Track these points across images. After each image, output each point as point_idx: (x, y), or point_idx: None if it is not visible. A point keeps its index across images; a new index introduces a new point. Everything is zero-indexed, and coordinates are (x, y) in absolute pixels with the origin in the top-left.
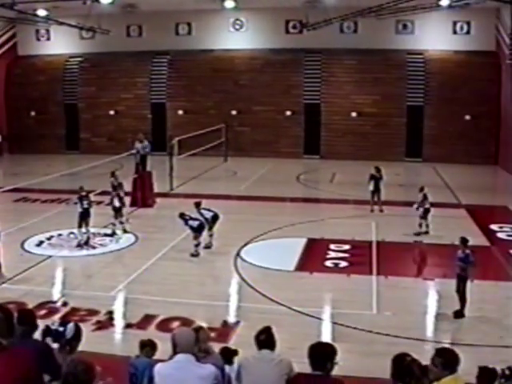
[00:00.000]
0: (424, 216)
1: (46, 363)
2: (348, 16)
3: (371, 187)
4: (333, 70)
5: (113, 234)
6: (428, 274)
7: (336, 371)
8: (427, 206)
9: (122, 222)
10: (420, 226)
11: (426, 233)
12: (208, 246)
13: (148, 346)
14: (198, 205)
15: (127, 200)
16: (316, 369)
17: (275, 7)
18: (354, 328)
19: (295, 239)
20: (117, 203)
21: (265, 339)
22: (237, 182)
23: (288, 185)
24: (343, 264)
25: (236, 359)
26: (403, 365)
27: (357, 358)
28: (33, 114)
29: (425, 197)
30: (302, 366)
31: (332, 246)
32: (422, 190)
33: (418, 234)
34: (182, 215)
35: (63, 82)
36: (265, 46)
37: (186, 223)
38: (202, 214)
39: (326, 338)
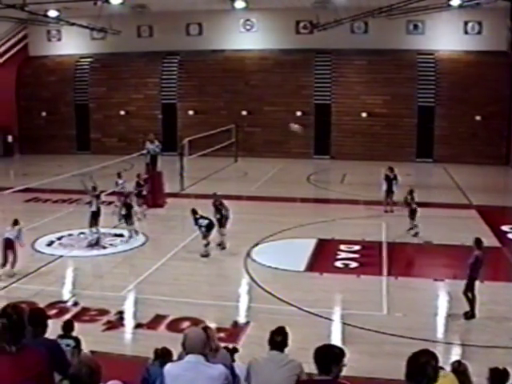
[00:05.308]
0: (411, 216)
1: (57, 362)
2: (358, 16)
3: (384, 187)
4: (343, 71)
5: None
6: (438, 275)
7: (346, 372)
8: (414, 206)
9: (136, 231)
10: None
11: (416, 234)
12: (223, 246)
13: (162, 356)
14: (194, 212)
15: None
16: (322, 372)
17: (286, 8)
18: (364, 329)
19: (305, 240)
20: (123, 211)
21: (281, 341)
22: (247, 183)
23: (298, 185)
24: (353, 265)
25: (237, 356)
26: (417, 364)
27: (367, 358)
28: (44, 114)
29: (412, 198)
30: (313, 366)
31: (342, 247)
32: (411, 192)
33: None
34: (193, 211)
35: (74, 83)
36: (275, 46)
37: (196, 222)
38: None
39: (336, 338)
